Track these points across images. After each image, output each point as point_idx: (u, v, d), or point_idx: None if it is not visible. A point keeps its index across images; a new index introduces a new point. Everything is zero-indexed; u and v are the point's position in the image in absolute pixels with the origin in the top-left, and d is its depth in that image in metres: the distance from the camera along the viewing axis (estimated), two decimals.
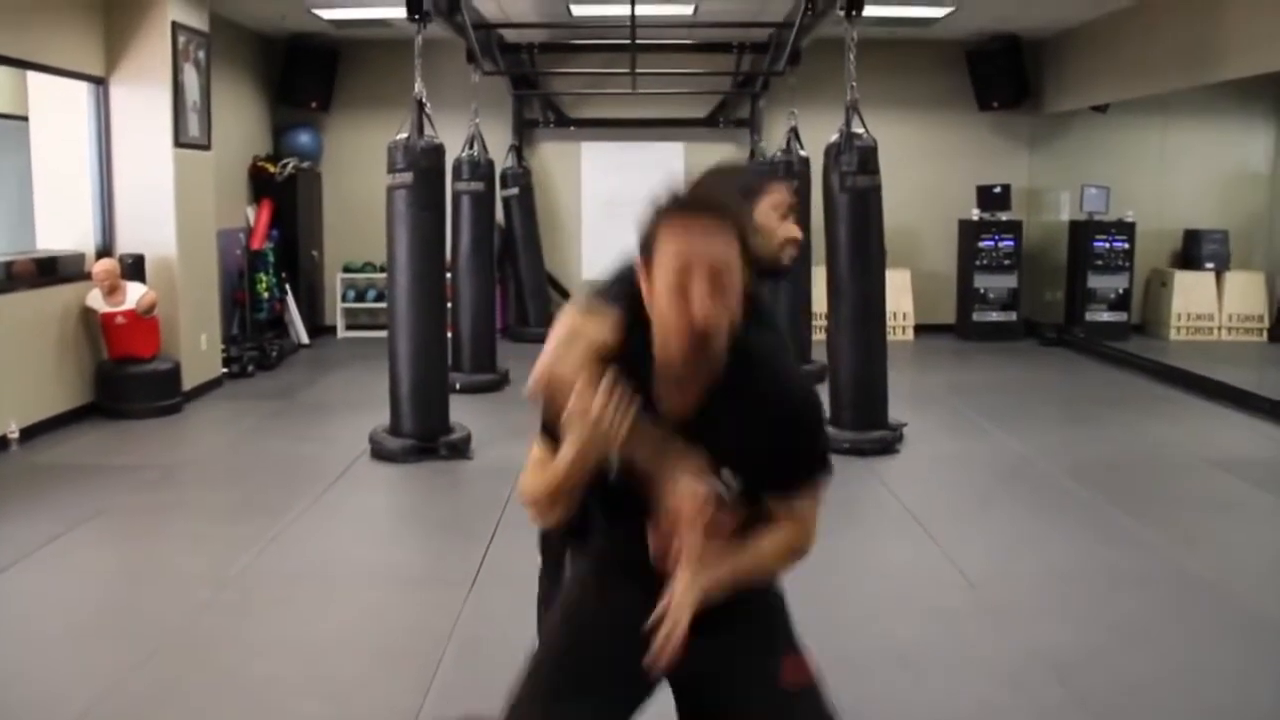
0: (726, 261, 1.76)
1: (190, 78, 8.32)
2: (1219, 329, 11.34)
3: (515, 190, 11.20)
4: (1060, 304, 11.73)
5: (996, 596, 4.47)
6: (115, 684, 3.62)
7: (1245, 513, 5.77)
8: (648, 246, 1.81)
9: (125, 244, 8.06)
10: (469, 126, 9.13)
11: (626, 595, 1.94)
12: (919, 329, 11.60)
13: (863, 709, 3.48)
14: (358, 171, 11.06)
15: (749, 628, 2.01)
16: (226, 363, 9.05)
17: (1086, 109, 11.04)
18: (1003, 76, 11.54)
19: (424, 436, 6.52)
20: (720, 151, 11.83)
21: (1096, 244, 11.29)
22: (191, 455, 6.84)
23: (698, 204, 1.82)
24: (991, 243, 11.50)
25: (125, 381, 7.66)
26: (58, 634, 4.07)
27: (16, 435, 6.79)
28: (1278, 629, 3.62)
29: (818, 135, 7.55)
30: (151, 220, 8.05)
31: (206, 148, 8.65)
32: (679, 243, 1.76)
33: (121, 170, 8.05)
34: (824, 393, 7.07)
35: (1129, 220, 11.30)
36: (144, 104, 7.98)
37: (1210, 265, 11.42)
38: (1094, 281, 11.31)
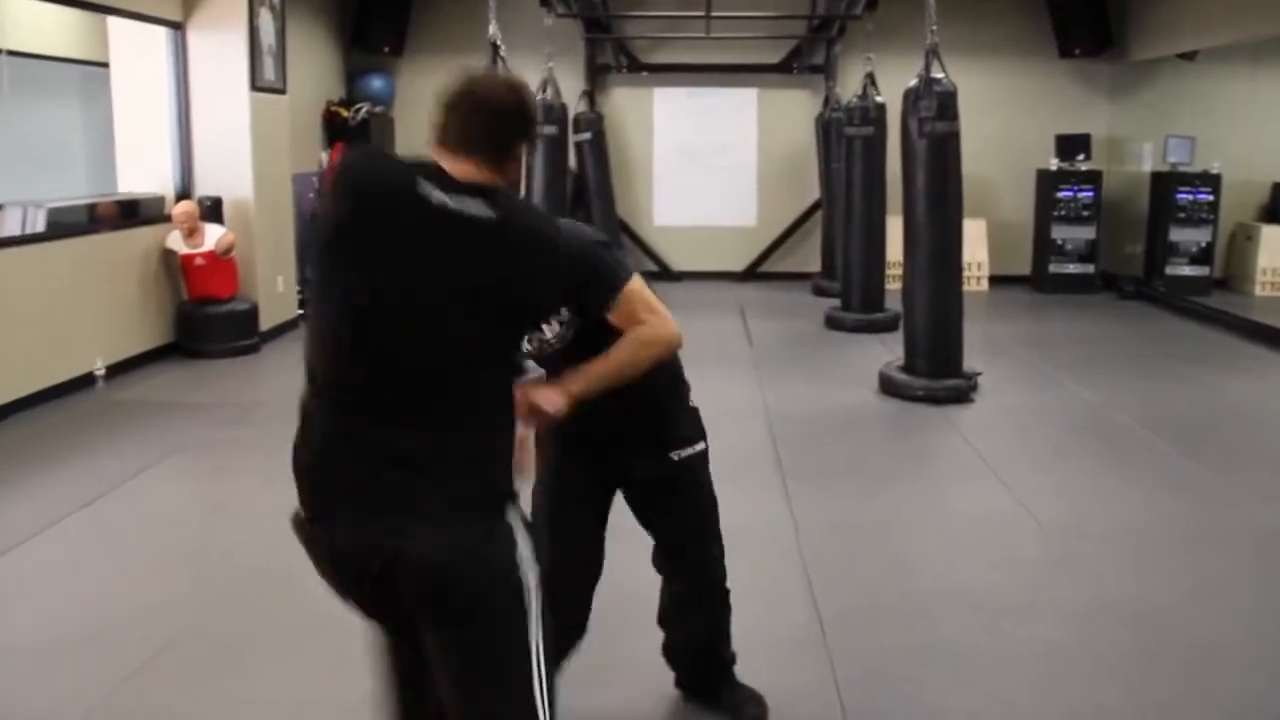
0: None
1: (265, 22, 8.38)
2: None
3: (588, 135, 11.16)
4: (1139, 257, 11.47)
5: (1069, 546, 4.42)
6: (194, 617, 3.72)
7: None
8: (532, 135, 2.17)
9: (203, 187, 8.18)
10: (542, 71, 9.11)
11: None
12: (993, 280, 11.43)
13: (934, 651, 3.50)
14: (431, 116, 11.07)
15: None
16: (302, 304, 9.17)
17: (1173, 57, 10.73)
18: (1085, 23, 11.26)
19: None
20: (794, 98, 11.72)
21: (1179, 196, 11.00)
22: (268, 394, 6.96)
23: None
24: (1070, 193, 11.28)
25: (204, 322, 7.81)
26: (143, 564, 4.18)
27: (103, 373, 6.96)
28: None
29: (894, 82, 7.43)
30: (229, 163, 8.16)
31: (282, 91, 8.73)
32: None
33: (199, 114, 8.15)
34: (899, 340, 7.02)
35: (1214, 172, 10.98)
36: (221, 48, 8.06)
37: None
38: (1175, 235, 11.03)
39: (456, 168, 2.00)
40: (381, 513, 1.92)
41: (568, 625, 2.79)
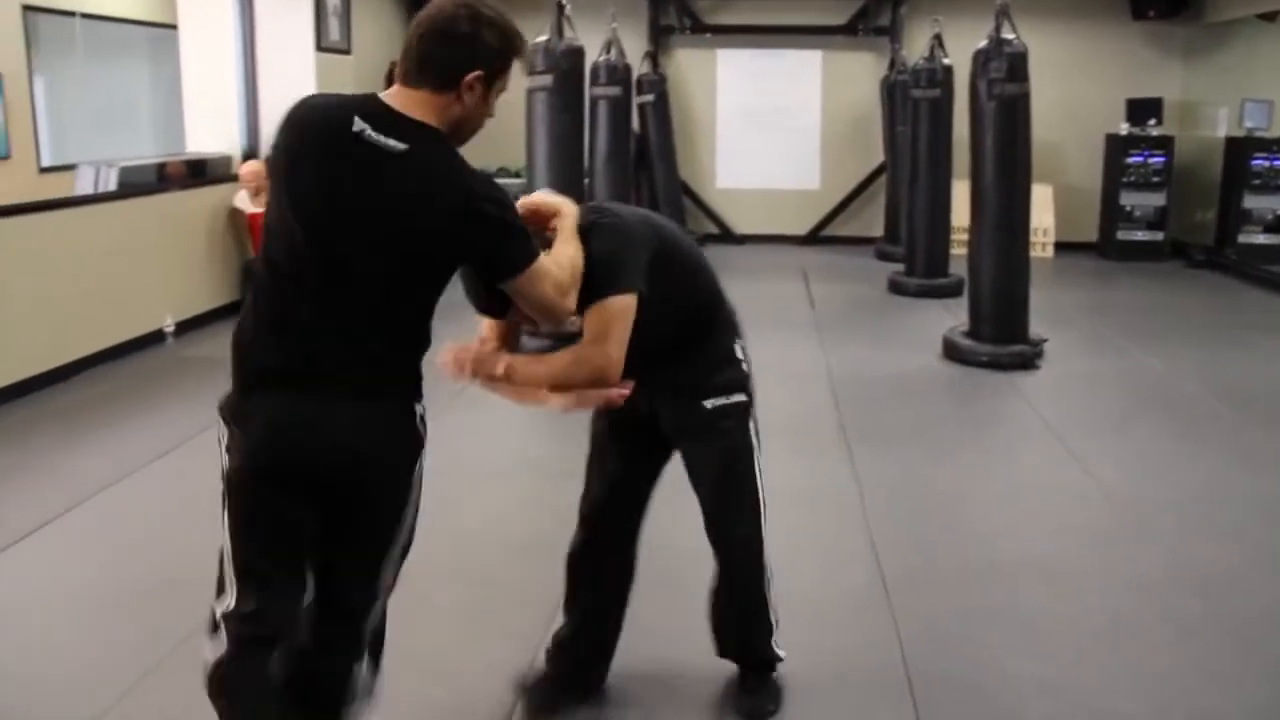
0: None
1: None
2: None
3: (651, 97, 11.12)
4: (1211, 224, 11.23)
5: (1137, 514, 4.37)
6: None
7: None
8: (499, 68, 2.14)
9: (269, 147, 8.23)
10: (606, 31, 9.07)
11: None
12: (1059, 246, 11.25)
13: (1002, 616, 3.49)
14: None
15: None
16: None
17: (1252, 17, 10.45)
18: None
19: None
20: (859, 60, 11.59)
21: (1255, 162, 10.73)
22: None
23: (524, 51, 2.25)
24: (1140, 158, 11.05)
25: None
26: (215, 514, 4.26)
27: (172, 329, 7.08)
28: None
29: (961, 45, 7.32)
30: None
31: (347, 52, 8.78)
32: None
33: (266, 74, 8.22)
34: (963, 305, 6.95)
35: None
36: (286, 9, 8.12)
37: None
38: (1250, 202, 10.77)
39: (404, 100, 2.10)
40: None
41: (612, 562, 2.91)
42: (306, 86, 8.19)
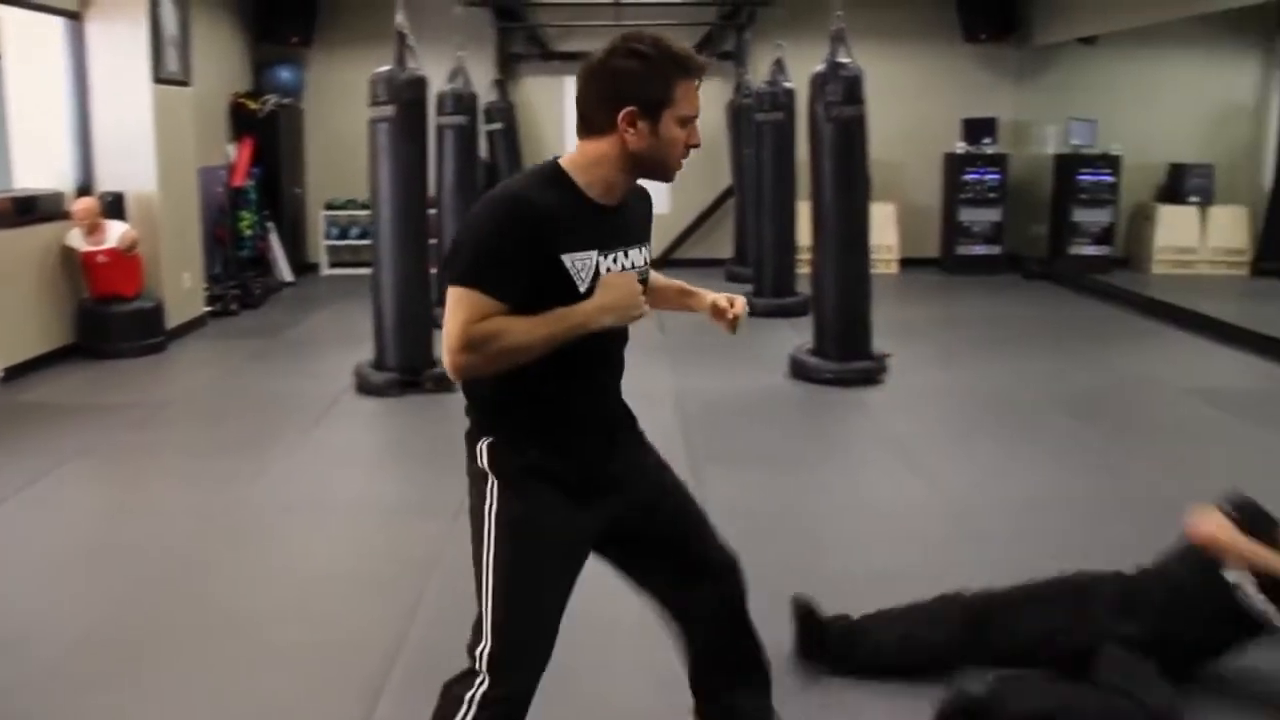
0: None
1: (167, 12, 8.21)
2: (1201, 262, 11.36)
3: (499, 125, 11.12)
4: (1044, 238, 11.74)
5: (978, 522, 4.51)
6: (103, 618, 3.66)
7: (1223, 441, 5.83)
8: (655, 97, 2.08)
9: (105, 182, 8.00)
10: (452, 60, 9.04)
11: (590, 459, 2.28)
12: (904, 262, 11.61)
13: None
14: (341, 108, 10.95)
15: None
16: (210, 301, 9.02)
17: (1074, 41, 10.97)
18: (990, 8, 11.49)
19: (408, 370, 6.53)
20: (706, 85, 11.66)
21: (1081, 178, 11.29)
22: (176, 393, 6.84)
23: (701, 70, 2.15)
24: (976, 176, 11.49)
25: (108, 321, 7.64)
26: (46, 569, 4.09)
27: (1, 375, 6.78)
28: None
29: (803, 68, 7.47)
30: (131, 158, 7.98)
31: (186, 84, 8.56)
32: (692, 96, 2.14)
33: (99, 107, 7.96)
34: (809, 325, 7.10)
35: (1114, 154, 11.30)
36: (121, 39, 7.88)
37: (1194, 199, 11.42)
38: (1078, 215, 11.33)
39: (573, 156, 2.16)
40: None
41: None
42: (143, 119, 7.97)
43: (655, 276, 2.44)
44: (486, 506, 2.21)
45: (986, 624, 3.21)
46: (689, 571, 2.45)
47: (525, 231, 2.04)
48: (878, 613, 3.32)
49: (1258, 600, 2.95)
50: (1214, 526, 3.01)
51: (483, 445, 2.22)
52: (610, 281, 2.11)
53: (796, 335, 7.35)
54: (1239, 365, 7.54)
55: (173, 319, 8.13)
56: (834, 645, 3.25)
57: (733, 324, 2.41)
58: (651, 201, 2.33)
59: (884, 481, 5.10)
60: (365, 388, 6.56)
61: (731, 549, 2.51)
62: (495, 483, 2.20)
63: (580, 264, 2.09)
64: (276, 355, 7.80)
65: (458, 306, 2.04)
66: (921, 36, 11.68)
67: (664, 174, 2.15)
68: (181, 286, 8.44)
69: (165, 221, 8.16)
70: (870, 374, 6.76)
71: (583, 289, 2.09)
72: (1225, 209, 11.43)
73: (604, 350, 2.23)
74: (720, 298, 2.44)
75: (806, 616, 3.26)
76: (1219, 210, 11.41)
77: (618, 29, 9.16)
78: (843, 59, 6.69)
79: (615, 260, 2.15)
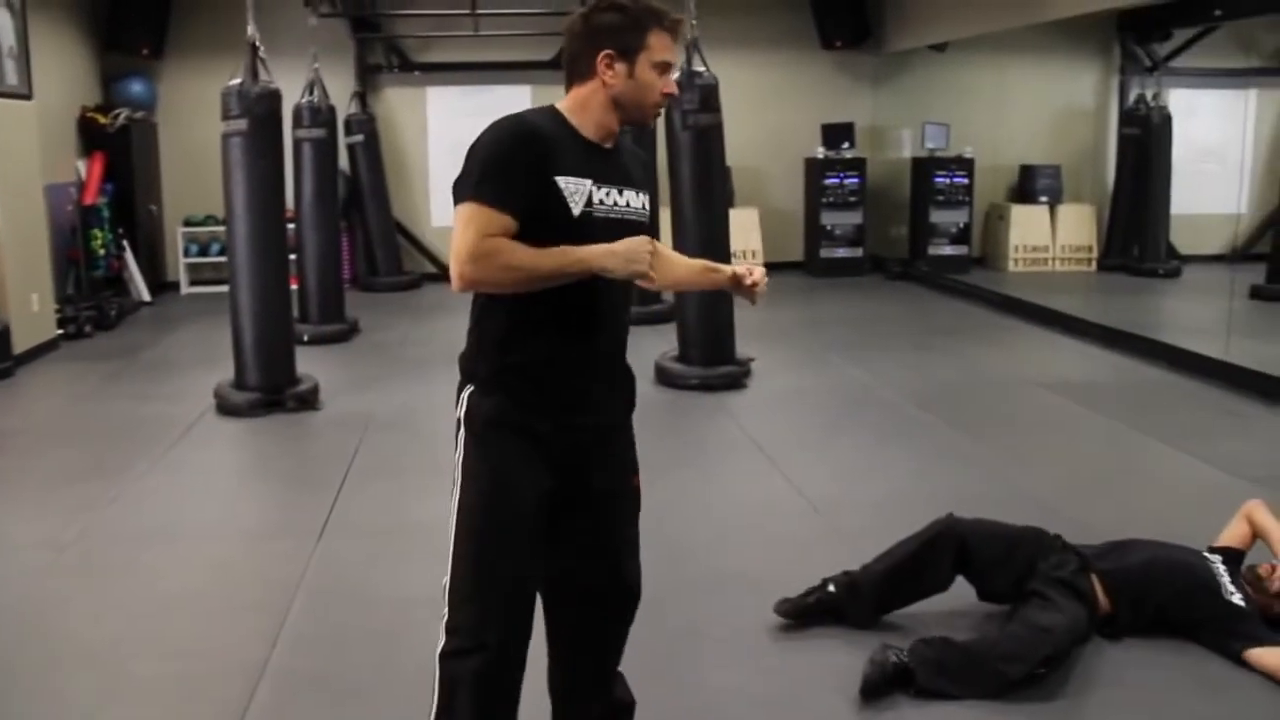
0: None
1: (3, 21, 7.91)
2: (1053, 260, 11.81)
3: (360, 137, 10.97)
4: (904, 239, 12.06)
5: (841, 521, 4.62)
6: None
7: (1073, 430, 6.09)
8: (630, 43, 2.27)
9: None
10: (308, 72, 8.91)
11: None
12: (768, 266, 11.58)
13: (706, 630, 3.61)
14: (196, 121, 10.62)
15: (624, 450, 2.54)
16: (62, 324, 8.71)
17: (925, 48, 11.29)
18: (844, 16, 11.74)
19: (270, 389, 6.40)
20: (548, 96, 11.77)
21: (938, 179, 11.63)
22: (25, 420, 6.59)
23: (676, 24, 2.34)
24: (837, 180, 11.72)
25: None
26: None
27: None
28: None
29: None
30: None
31: (27, 97, 8.26)
32: (666, 45, 2.32)
33: None
34: (671, 331, 7.18)
35: (968, 156, 11.66)
36: None
37: (1044, 199, 11.88)
38: (936, 216, 11.66)
39: (565, 102, 2.37)
40: None
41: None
42: None
43: (671, 253, 2.67)
44: (458, 456, 2.34)
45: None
46: (576, 589, 2.52)
47: (526, 148, 2.23)
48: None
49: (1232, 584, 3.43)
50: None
51: (464, 395, 2.35)
52: (624, 240, 2.24)
53: (662, 342, 7.41)
54: (1087, 356, 7.86)
55: (21, 343, 7.82)
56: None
57: (752, 292, 2.53)
58: (652, 165, 2.44)
59: (748, 484, 5.18)
60: (226, 408, 6.41)
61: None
62: (465, 434, 2.33)
63: (574, 188, 2.25)
64: (133, 377, 7.57)
65: (468, 223, 2.18)
66: (779, 44, 11.87)
67: (641, 116, 2.35)
68: (30, 309, 8.12)
69: (8, 242, 7.84)
70: (734, 378, 6.86)
71: (576, 212, 2.24)
72: (1073, 208, 11.92)
73: (594, 306, 2.32)
74: (740, 267, 2.57)
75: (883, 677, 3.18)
76: (1067, 209, 11.89)
77: (478, 40, 9.14)
78: (698, 67, 6.78)
79: (609, 195, 2.31)
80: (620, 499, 2.53)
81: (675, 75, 2.37)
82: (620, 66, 2.28)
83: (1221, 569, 3.48)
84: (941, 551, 3.54)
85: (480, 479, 2.31)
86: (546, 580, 2.45)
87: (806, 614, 3.59)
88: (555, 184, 2.22)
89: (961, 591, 3.60)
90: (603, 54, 2.27)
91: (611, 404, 2.45)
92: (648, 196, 2.42)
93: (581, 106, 2.32)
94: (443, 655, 2.31)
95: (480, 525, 2.30)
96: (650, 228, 2.38)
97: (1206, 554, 3.57)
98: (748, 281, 2.52)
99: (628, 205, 2.35)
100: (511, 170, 2.21)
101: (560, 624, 2.54)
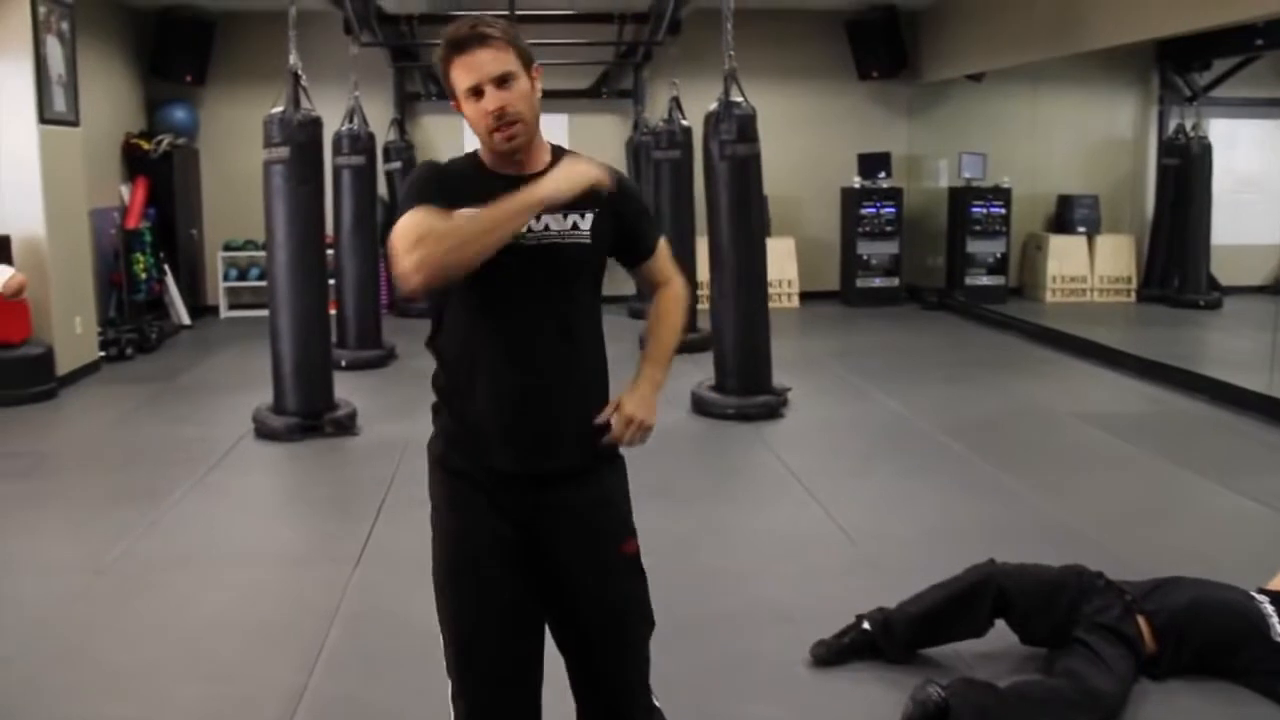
0: (504, 68, 2.18)
1: (54, 50, 8.04)
2: (1091, 290, 11.73)
3: (398, 164, 11.06)
4: (941, 269, 12.01)
5: (876, 553, 4.59)
6: None
7: (1112, 464, 6.01)
8: (449, 84, 2.22)
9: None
10: (348, 100, 9.00)
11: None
12: (804, 296, 11.77)
13: (742, 662, 3.59)
14: (237, 148, 10.79)
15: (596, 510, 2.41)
16: (104, 346, 8.81)
17: (962, 78, 11.28)
18: (881, 46, 11.73)
19: (308, 414, 6.44)
20: (604, 122, 11.86)
21: (974, 209, 11.59)
22: (67, 442, 6.66)
23: (469, 40, 2.18)
24: (873, 209, 11.71)
25: None
26: None
27: None
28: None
29: (700, 105, 7.59)
30: (17, 201, 7.76)
31: (75, 124, 8.38)
32: (466, 69, 2.17)
33: None
34: (708, 360, 7.17)
35: (1005, 186, 11.62)
36: (4, 78, 7.69)
37: (1082, 229, 11.80)
38: (973, 246, 11.62)
39: None
40: None
41: None
42: (29, 161, 7.77)
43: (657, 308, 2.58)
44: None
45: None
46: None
47: (436, 183, 2.21)
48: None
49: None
50: None
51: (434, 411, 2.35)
52: (558, 167, 2.18)
53: (699, 371, 7.40)
54: (1125, 389, 7.78)
55: (64, 365, 7.92)
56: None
57: (617, 438, 2.42)
58: (619, 197, 2.29)
59: (783, 515, 5.15)
60: (264, 432, 6.46)
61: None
62: (429, 477, 2.33)
63: None
64: (173, 401, 7.64)
65: (401, 225, 2.09)
66: (816, 75, 11.90)
67: (494, 146, 2.22)
68: (73, 331, 8.23)
69: (55, 265, 7.96)
70: (771, 408, 6.84)
71: None
72: (1111, 238, 11.84)
73: (528, 323, 2.23)
74: (629, 409, 2.41)
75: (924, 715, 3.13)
76: (1105, 240, 11.81)
77: None
78: (736, 98, 6.80)
79: (536, 220, 2.19)
80: (609, 575, 2.37)
81: (510, 87, 2.17)
82: (464, 108, 2.22)
83: (1270, 609, 3.43)
84: (980, 599, 3.51)
85: (435, 525, 2.30)
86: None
87: (843, 656, 3.56)
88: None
89: (1001, 628, 3.56)
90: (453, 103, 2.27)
91: (553, 447, 2.28)
92: (597, 211, 2.25)
93: (481, 144, 2.29)
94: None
95: (439, 580, 2.28)
96: (597, 245, 2.29)
97: (1255, 594, 3.52)
98: (615, 434, 2.41)
99: (570, 228, 2.23)
100: (428, 195, 2.15)
101: (567, 664, 2.43)
